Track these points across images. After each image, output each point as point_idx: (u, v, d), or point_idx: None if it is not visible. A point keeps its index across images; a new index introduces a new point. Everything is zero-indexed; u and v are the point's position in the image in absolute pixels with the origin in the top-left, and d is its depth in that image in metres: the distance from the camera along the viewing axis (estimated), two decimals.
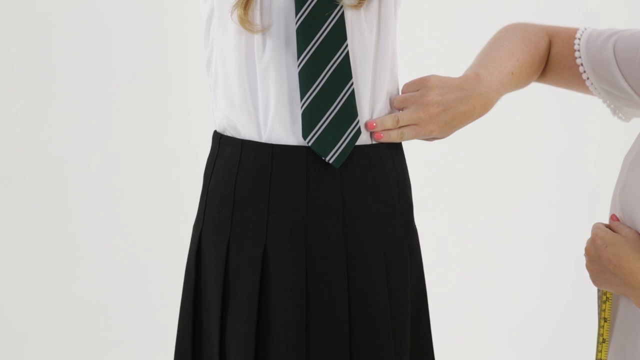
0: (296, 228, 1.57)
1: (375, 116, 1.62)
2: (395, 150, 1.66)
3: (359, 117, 1.59)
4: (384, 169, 1.62)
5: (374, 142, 1.62)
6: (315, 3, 1.56)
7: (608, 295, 1.54)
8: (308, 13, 1.56)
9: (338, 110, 1.58)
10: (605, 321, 1.54)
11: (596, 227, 1.51)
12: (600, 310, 1.55)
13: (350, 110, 1.58)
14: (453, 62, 3.45)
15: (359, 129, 1.58)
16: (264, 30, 1.56)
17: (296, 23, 1.56)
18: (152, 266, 3.46)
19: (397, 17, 1.65)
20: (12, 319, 3.43)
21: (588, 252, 1.50)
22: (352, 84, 1.58)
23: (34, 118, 3.45)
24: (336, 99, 1.57)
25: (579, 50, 1.64)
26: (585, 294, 3.01)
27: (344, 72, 1.58)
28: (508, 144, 3.46)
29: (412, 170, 1.72)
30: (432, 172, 3.38)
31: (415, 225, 1.68)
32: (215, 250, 1.60)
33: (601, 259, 1.46)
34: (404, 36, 1.89)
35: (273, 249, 1.57)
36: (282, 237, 1.57)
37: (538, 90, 3.48)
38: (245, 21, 1.55)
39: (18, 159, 3.47)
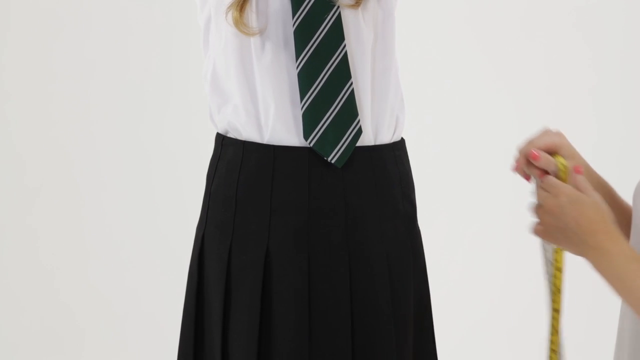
0: (298, 229, 1.56)
1: (377, 115, 1.62)
2: (398, 152, 1.65)
3: (359, 117, 1.58)
4: (387, 170, 1.61)
5: (376, 144, 1.62)
6: (312, 5, 1.56)
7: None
8: (305, 15, 1.56)
9: (338, 110, 1.57)
10: (559, 271, 1.55)
11: (558, 184, 1.49)
12: (553, 260, 1.55)
13: (350, 109, 1.58)
14: (453, 63, 3.45)
15: (360, 128, 1.58)
16: (260, 33, 1.56)
17: (293, 25, 1.56)
18: (157, 263, 3.45)
19: (395, 17, 1.65)
20: (18, 316, 3.42)
21: (550, 206, 1.48)
22: (352, 83, 1.58)
23: (39, 115, 3.45)
24: (336, 98, 1.57)
25: None
26: (583, 293, 3.01)
27: (343, 72, 1.58)
28: (505, 144, 3.46)
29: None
30: (429, 172, 3.38)
31: (418, 227, 1.67)
32: (218, 252, 1.60)
33: (566, 216, 1.46)
34: (404, 37, 1.88)
35: (275, 251, 1.57)
36: (284, 239, 1.57)
37: (534, 90, 3.49)
38: (240, 23, 1.55)
39: (22, 155, 3.46)
